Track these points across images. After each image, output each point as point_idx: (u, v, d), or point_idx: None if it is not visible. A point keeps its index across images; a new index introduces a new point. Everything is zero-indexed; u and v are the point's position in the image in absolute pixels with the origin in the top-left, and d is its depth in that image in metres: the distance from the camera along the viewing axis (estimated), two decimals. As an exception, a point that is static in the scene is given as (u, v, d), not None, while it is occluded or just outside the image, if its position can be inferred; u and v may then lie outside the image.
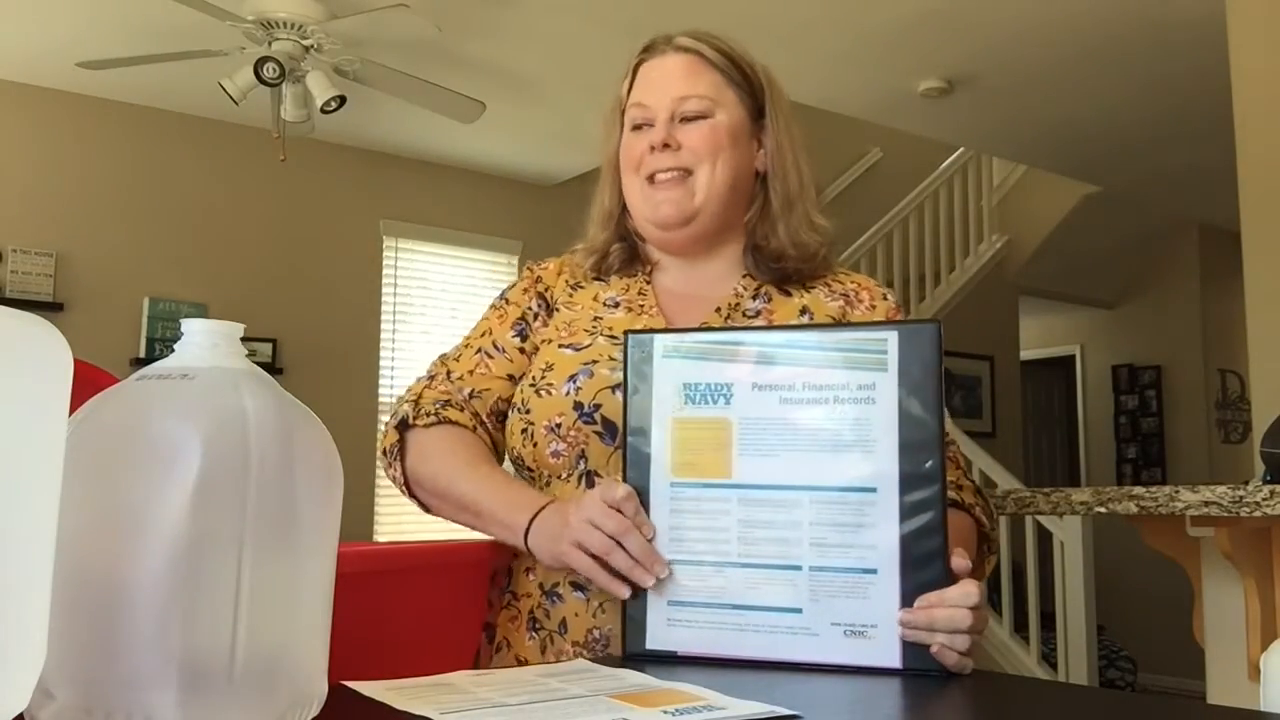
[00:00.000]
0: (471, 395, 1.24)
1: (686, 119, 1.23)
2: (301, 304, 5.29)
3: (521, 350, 1.27)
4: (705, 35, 1.27)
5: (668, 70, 1.25)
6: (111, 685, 0.60)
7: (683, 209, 1.23)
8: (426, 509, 1.24)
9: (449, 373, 1.27)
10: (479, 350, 1.28)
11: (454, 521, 1.21)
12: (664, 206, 1.23)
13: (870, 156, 7.12)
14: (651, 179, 1.23)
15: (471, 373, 1.26)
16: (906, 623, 0.93)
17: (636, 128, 1.25)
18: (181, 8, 3.54)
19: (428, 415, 1.22)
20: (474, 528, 1.18)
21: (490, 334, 1.29)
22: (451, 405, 1.23)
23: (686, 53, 1.25)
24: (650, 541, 1.00)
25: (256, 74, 3.66)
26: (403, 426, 1.23)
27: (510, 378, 1.25)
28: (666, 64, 1.26)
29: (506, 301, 1.32)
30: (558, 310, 1.29)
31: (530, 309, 1.29)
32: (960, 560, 0.95)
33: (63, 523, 0.57)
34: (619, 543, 1.00)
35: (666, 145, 1.22)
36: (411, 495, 1.24)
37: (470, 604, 1.05)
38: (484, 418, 1.24)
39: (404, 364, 5.58)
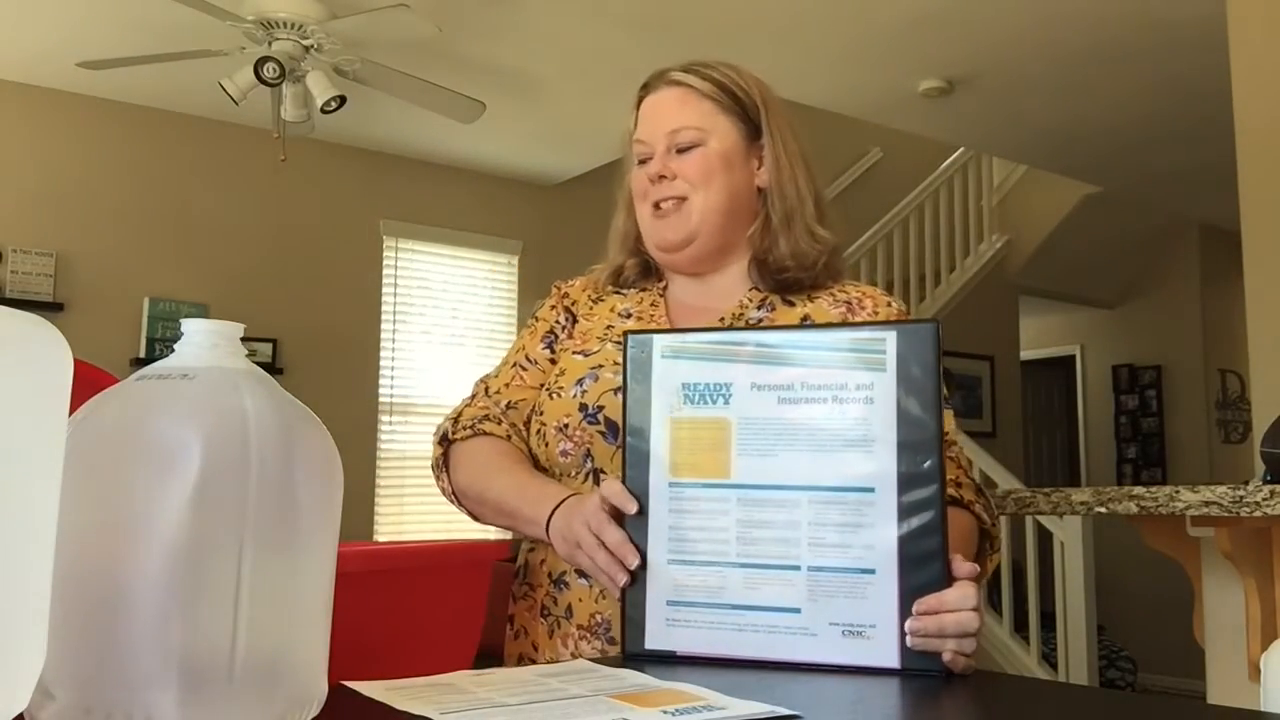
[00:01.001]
0: (508, 407, 1.32)
1: (681, 149, 1.30)
2: (301, 304, 5.29)
3: (552, 361, 1.34)
4: (698, 66, 1.34)
5: (661, 105, 1.33)
6: (111, 685, 0.60)
7: (680, 233, 1.31)
8: (475, 517, 1.31)
9: (487, 389, 1.36)
10: (514, 365, 1.37)
11: (498, 526, 1.30)
12: (665, 231, 1.31)
13: (870, 156, 7.12)
14: (656, 207, 1.31)
15: (508, 385, 1.35)
16: (916, 630, 0.93)
17: (641, 161, 1.33)
18: (181, 8, 3.54)
19: (466, 429, 1.30)
20: (512, 529, 1.26)
21: (524, 349, 1.38)
22: (489, 419, 1.31)
23: (678, 86, 1.33)
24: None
25: (256, 74, 3.66)
26: (444, 441, 1.31)
27: (544, 387, 1.33)
28: (660, 99, 1.33)
29: (537, 319, 1.41)
30: (579, 321, 1.36)
31: (559, 321, 1.38)
32: (964, 564, 0.96)
33: (63, 523, 0.57)
34: (601, 540, 1.03)
35: (663, 176, 1.30)
36: (459, 504, 1.32)
37: (470, 604, 1.05)
38: (520, 427, 1.31)
39: (404, 364, 5.58)
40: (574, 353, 1.30)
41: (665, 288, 1.38)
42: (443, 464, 1.31)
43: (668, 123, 1.31)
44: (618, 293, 1.39)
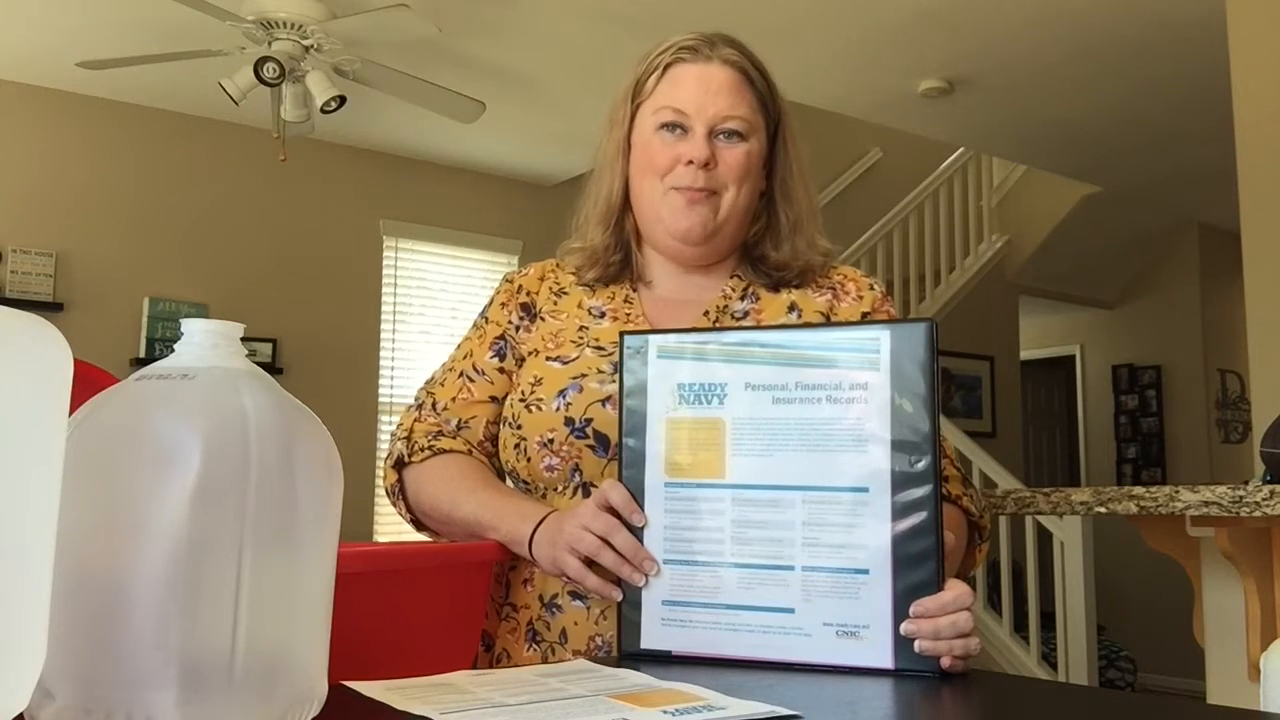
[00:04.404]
0: (459, 426, 1.25)
1: (725, 137, 1.21)
2: (301, 304, 5.29)
3: (501, 370, 1.27)
4: (743, 47, 1.24)
5: (713, 82, 1.21)
6: (111, 685, 0.60)
7: (706, 227, 1.22)
8: (438, 537, 1.25)
9: (434, 402, 1.28)
10: (461, 374, 1.28)
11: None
12: (687, 220, 1.21)
13: (870, 156, 7.12)
14: (679, 189, 1.21)
15: (455, 400, 1.27)
16: (911, 634, 0.93)
17: (667, 127, 1.21)
18: (181, 8, 3.54)
19: (422, 450, 1.23)
20: None
21: (471, 356, 1.29)
22: (444, 435, 1.24)
23: (732, 67, 1.22)
24: (642, 531, 1.01)
25: (256, 74, 3.66)
26: (399, 465, 1.24)
27: (493, 399, 1.26)
28: (711, 74, 1.21)
29: (486, 320, 1.31)
30: (543, 319, 1.27)
31: (511, 323, 1.29)
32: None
33: (63, 523, 0.57)
34: (607, 542, 1.01)
35: (707, 164, 1.19)
36: (420, 528, 1.26)
37: (471, 604, 1.05)
38: (476, 445, 1.25)
39: (404, 364, 5.58)
40: (548, 359, 1.21)
41: (638, 282, 1.29)
42: (399, 490, 1.24)
43: (720, 105, 1.19)
44: (583, 285, 1.29)
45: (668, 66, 1.23)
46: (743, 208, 1.24)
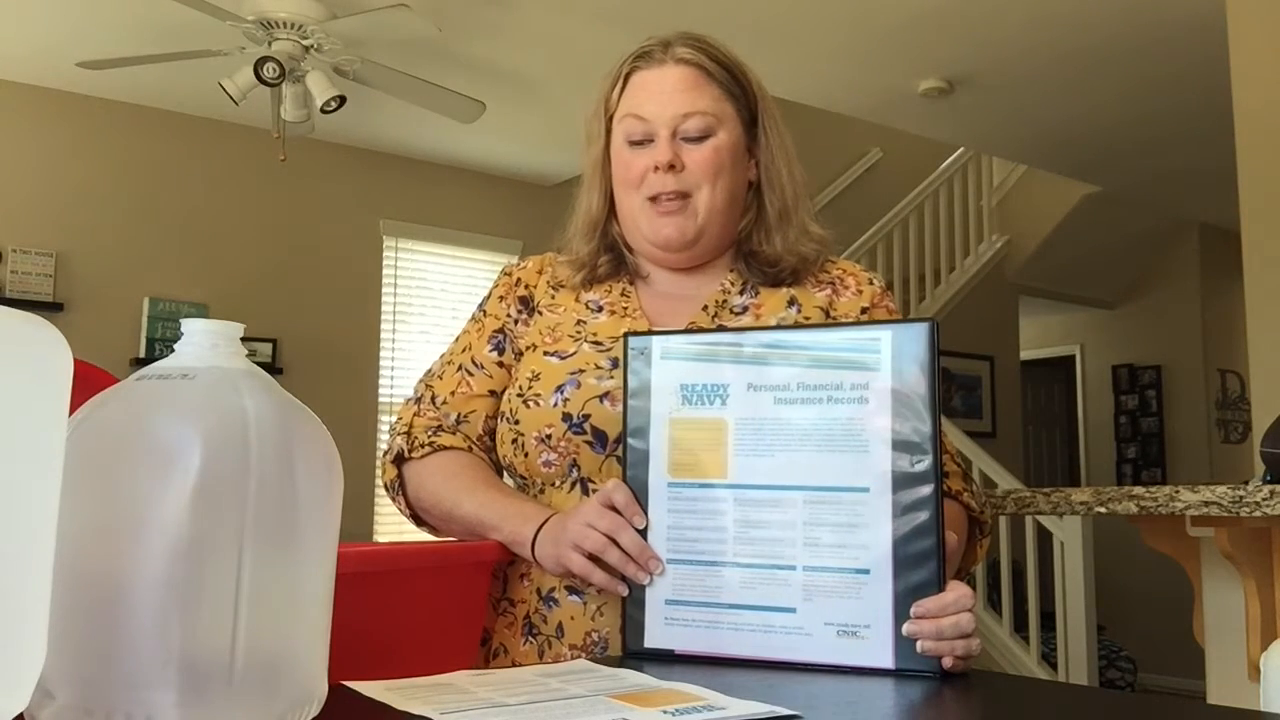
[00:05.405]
0: (459, 420, 1.25)
1: (690, 138, 1.20)
2: (301, 304, 5.29)
3: (500, 364, 1.27)
4: (702, 43, 1.23)
5: (668, 83, 1.20)
6: (111, 685, 0.60)
7: (685, 233, 1.21)
8: (437, 533, 1.25)
9: (434, 396, 1.27)
10: (460, 368, 1.28)
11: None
12: (666, 229, 1.21)
13: (870, 156, 7.12)
14: (654, 199, 1.21)
15: (454, 393, 1.26)
16: (914, 634, 0.93)
17: (635, 143, 1.22)
18: (181, 8, 3.54)
19: (422, 446, 1.22)
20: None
21: (470, 349, 1.29)
22: (443, 430, 1.24)
23: (687, 65, 1.21)
24: (644, 533, 1.02)
25: (256, 74, 3.67)
26: (399, 460, 1.24)
27: (492, 394, 1.26)
28: (666, 76, 1.21)
29: (484, 313, 1.31)
30: (540, 313, 1.27)
31: (510, 316, 1.29)
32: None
33: (63, 523, 0.57)
34: (613, 540, 1.01)
35: (672, 166, 1.19)
36: (420, 523, 1.26)
37: (471, 604, 1.06)
38: (475, 439, 1.25)
39: (404, 364, 5.58)
40: (546, 354, 1.21)
41: (636, 277, 1.29)
42: (399, 485, 1.24)
43: (678, 105, 1.19)
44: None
45: (627, 76, 1.24)
46: (722, 205, 1.22)
